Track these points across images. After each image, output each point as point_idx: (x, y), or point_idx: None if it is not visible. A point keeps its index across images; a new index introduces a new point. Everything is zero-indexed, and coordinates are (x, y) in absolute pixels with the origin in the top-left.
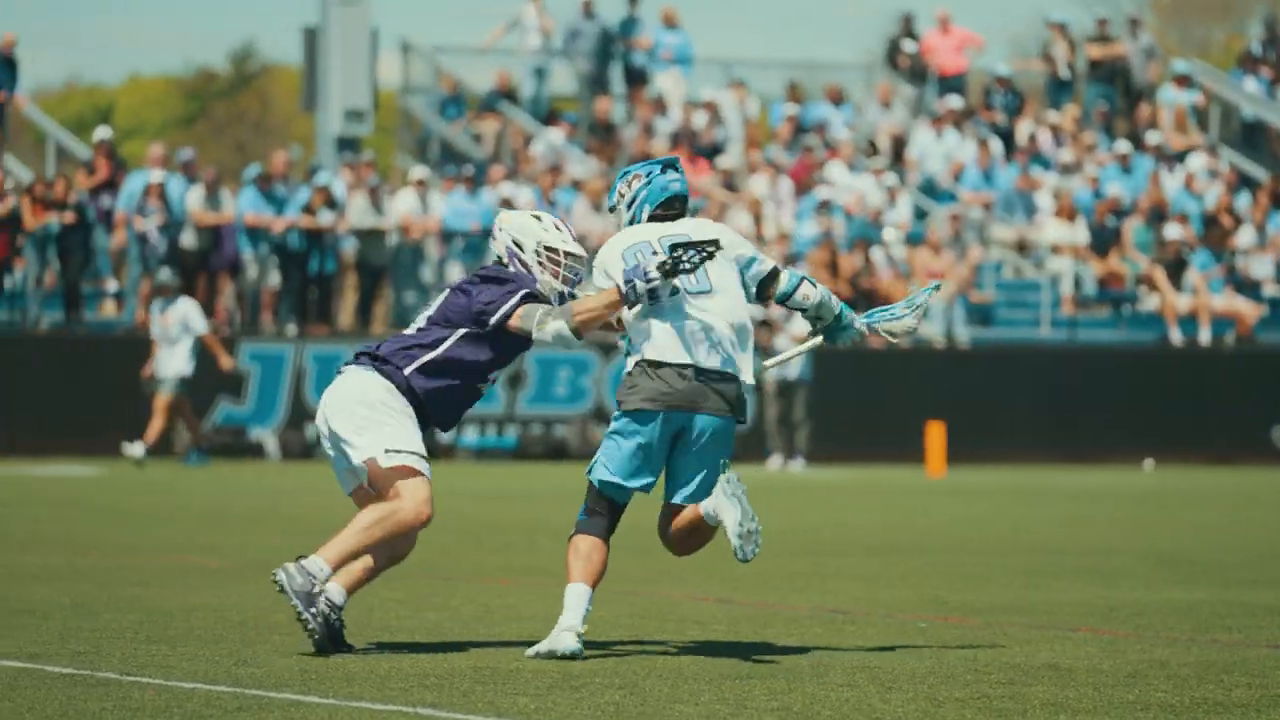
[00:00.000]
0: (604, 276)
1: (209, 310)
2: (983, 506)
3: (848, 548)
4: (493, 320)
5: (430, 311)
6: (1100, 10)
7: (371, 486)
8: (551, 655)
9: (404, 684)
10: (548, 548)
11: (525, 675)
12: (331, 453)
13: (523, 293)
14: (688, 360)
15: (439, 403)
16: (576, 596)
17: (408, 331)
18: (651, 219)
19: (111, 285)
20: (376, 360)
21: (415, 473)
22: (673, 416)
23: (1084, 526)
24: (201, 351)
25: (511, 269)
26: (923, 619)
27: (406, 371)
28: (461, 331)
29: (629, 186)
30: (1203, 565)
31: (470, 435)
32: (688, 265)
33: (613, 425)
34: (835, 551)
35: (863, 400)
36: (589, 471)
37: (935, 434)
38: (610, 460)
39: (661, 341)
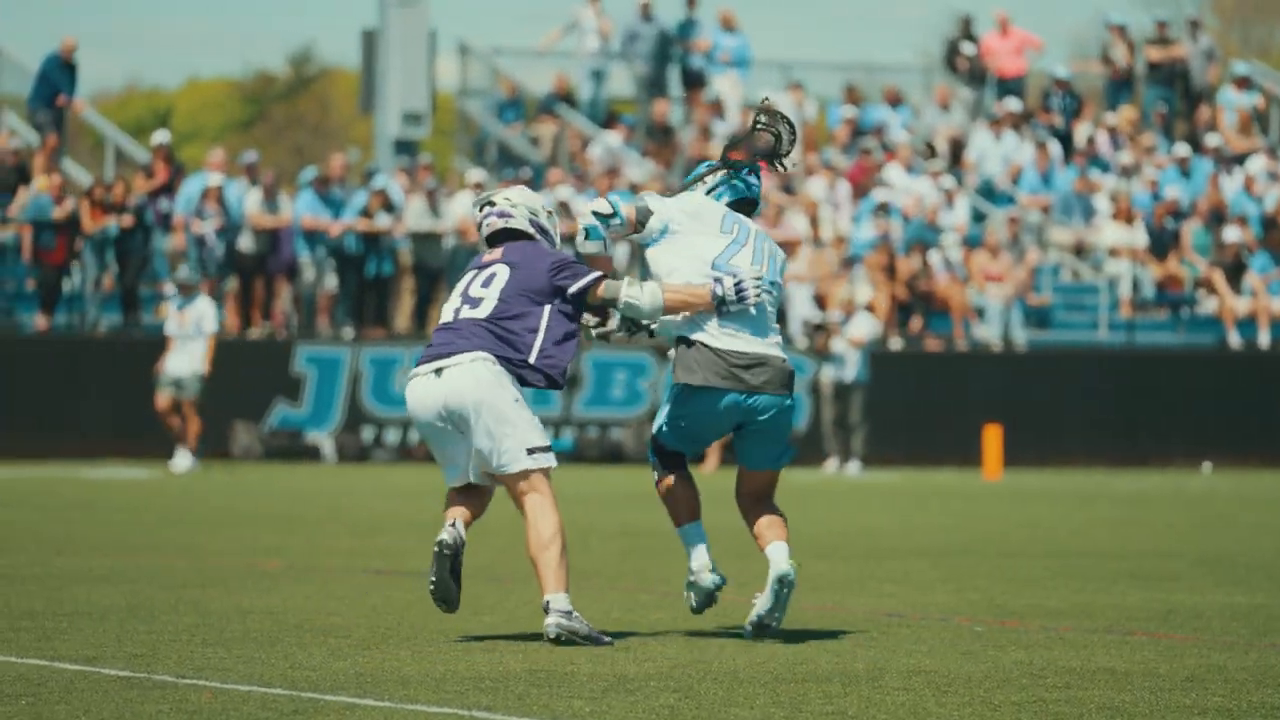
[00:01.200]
0: (685, 216)
1: (266, 313)
2: (1039, 510)
3: (903, 551)
4: (574, 289)
5: (501, 288)
6: (1160, 12)
7: (499, 480)
8: (707, 600)
9: (459, 687)
10: (601, 550)
11: (580, 678)
12: (449, 436)
13: (598, 270)
14: (749, 348)
15: (558, 376)
16: (691, 537)
17: (479, 314)
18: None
19: (169, 288)
20: (497, 348)
21: (546, 470)
22: (737, 397)
23: (1141, 530)
24: (236, 355)
25: (539, 240)
26: (979, 623)
27: (533, 360)
28: (549, 306)
29: (714, 175)
30: (1261, 569)
31: None
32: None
33: (676, 400)
34: (891, 555)
35: (919, 403)
36: (655, 431)
37: (992, 437)
38: (673, 432)
39: (725, 327)
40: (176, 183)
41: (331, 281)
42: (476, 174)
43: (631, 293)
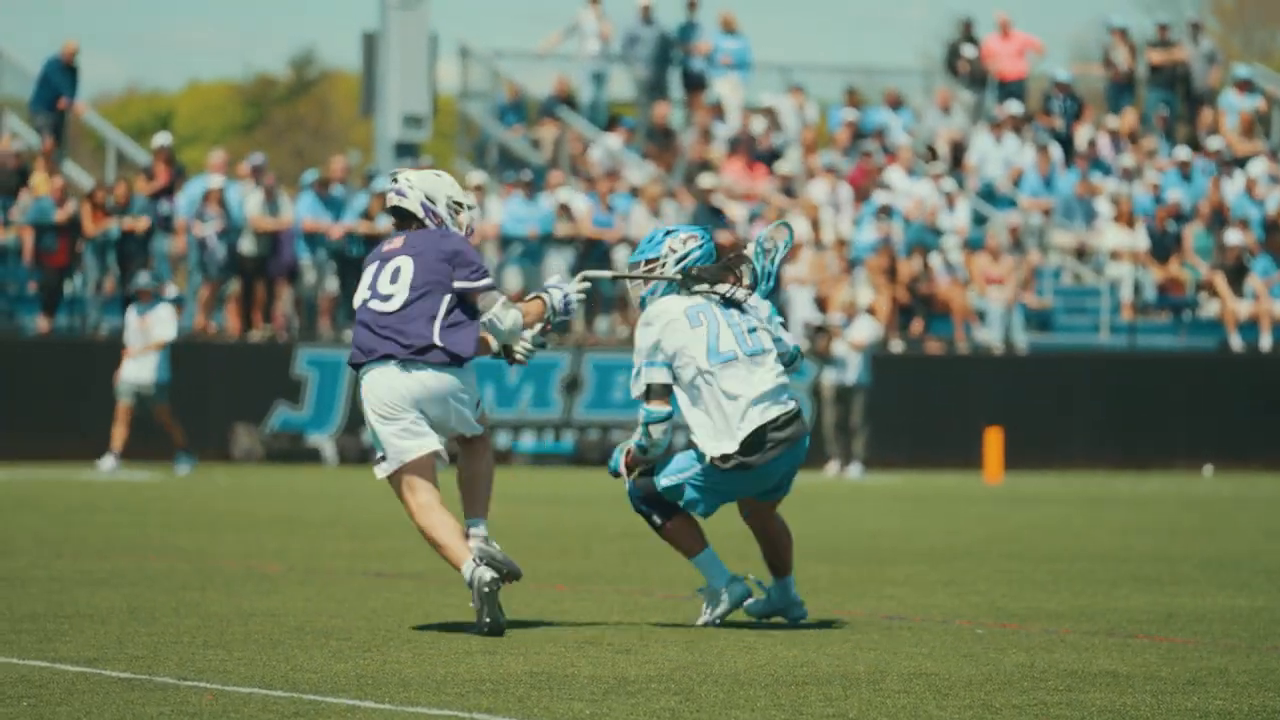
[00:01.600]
0: (664, 349)
1: (267, 315)
2: (1041, 513)
3: (905, 554)
4: (461, 289)
5: (409, 282)
6: (1162, 15)
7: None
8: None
9: (460, 689)
10: (602, 553)
11: (581, 680)
12: (420, 430)
13: (489, 279)
14: (762, 430)
15: (462, 353)
16: (711, 560)
17: (387, 308)
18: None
19: (170, 291)
20: (445, 355)
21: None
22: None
23: (1143, 533)
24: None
25: (429, 223)
26: (980, 625)
27: (467, 354)
28: (449, 295)
29: (683, 245)
30: (1262, 572)
31: (527, 440)
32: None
33: (707, 470)
34: (892, 558)
35: (921, 406)
36: (677, 496)
37: (993, 440)
38: (701, 494)
39: (737, 427)
40: (177, 185)
41: (332, 284)
42: (477, 176)
43: (498, 314)
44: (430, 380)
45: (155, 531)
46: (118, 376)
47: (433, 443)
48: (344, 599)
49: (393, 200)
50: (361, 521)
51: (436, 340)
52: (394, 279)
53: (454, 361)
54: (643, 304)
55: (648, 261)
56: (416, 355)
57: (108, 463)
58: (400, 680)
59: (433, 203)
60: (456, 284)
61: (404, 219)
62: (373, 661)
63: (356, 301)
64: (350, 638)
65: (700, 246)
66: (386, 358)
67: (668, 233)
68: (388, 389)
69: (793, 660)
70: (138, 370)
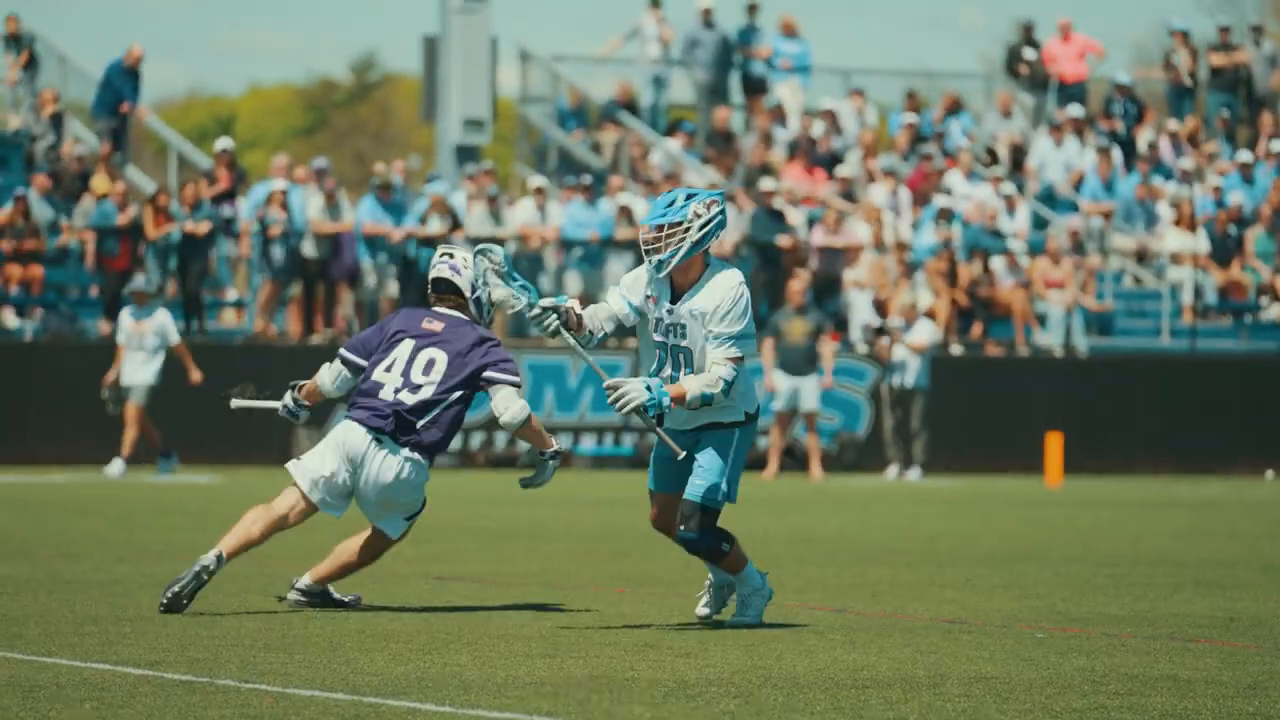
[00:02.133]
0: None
1: (328, 319)
2: (1101, 517)
3: (964, 558)
4: (488, 378)
5: (439, 380)
6: (1223, 17)
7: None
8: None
9: (520, 692)
10: (664, 557)
11: (641, 684)
12: (339, 493)
13: (518, 380)
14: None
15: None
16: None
17: (413, 400)
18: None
19: (232, 294)
20: (426, 450)
21: None
22: None
23: (1204, 538)
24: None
25: (471, 309)
26: (1040, 629)
27: (436, 457)
28: (464, 394)
29: (707, 209)
30: None
31: (587, 443)
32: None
33: (741, 438)
34: (952, 561)
35: (980, 410)
36: (732, 498)
37: (1053, 444)
38: (737, 483)
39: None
40: (239, 189)
41: (393, 287)
42: (537, 180)
43: (509, 407)
44: (391, 470)
45: (216, 534)
46: (108, 381)
47: (334, 513)
48: (404, 601)
49: (444, 273)
50: (420, 524)
51: (433, 430)
52: (427, 370)
53: (428, 453)
54: (659, 266)
55: (671, 225)
56: (408, 435)
57: (163, 466)
58: (460, 683)
59: (478, 287)
60: (487, 373)
61: (446, 292)
62: (433, 664)
63: (385, 380)
64: (410, 640)
65: (722, 211)
66: (382, 431)
67: (689, 196)
68: (362, 452)
69: (853, 664)
70: (133, 373)
